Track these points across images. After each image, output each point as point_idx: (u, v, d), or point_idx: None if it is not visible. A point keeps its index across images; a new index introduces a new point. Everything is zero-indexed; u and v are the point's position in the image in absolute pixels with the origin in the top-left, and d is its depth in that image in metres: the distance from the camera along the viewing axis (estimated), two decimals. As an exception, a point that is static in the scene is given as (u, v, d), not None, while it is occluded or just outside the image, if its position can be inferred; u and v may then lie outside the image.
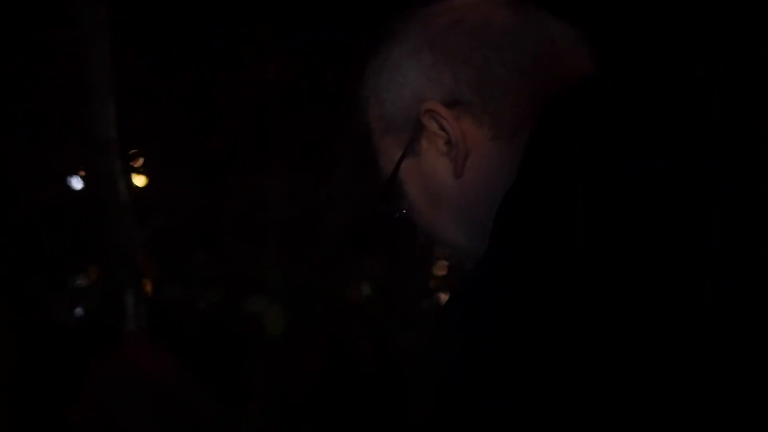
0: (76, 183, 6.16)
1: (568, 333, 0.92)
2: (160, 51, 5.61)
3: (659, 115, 1.02)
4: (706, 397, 0.90)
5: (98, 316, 6.15)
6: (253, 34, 5.72)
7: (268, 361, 6.06)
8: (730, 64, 1.04)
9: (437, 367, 0.99)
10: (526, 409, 0.92)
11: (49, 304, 6.27)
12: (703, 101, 1.03)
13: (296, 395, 6.12)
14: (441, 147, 1.15)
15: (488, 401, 0.93)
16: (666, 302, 0.92)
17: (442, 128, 1.14)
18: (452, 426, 0.95)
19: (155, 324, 5.25)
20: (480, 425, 0.93)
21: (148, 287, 6.26)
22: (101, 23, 4.58)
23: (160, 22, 5.50)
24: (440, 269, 8.05)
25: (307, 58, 5.67)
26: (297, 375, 6.14)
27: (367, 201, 5.91)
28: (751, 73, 1.03)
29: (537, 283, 0.95)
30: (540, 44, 1.14)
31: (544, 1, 1.18)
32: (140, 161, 6.32)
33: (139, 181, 6.20)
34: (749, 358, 0.91)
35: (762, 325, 0.91)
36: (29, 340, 5.45)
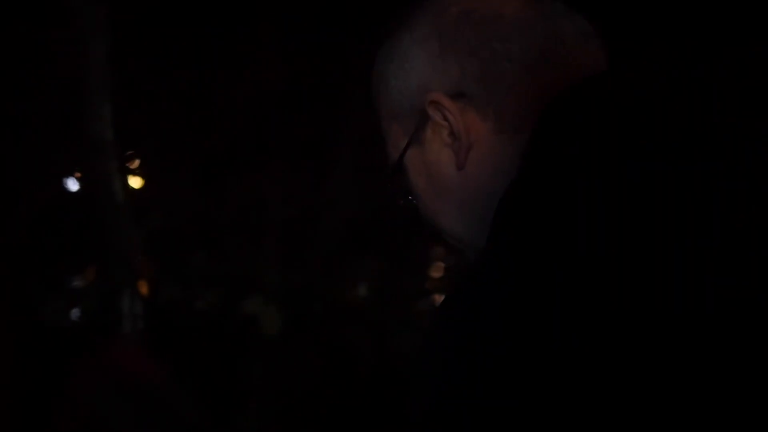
0: (73, 184, 6.16)
1: (568, 333, 0.92)
2: (159, 51, 5.62)
3: (659, 115, 1.02)
4: (706, 397, 0.90)
5: (95, 316, 6.15)
6: (253, 34, 5.72)
7: (265, 362, 6.06)
8: (730, 64, 1.04)
9: (436, 366, 0.99)
10: (526, 409, 0.92)
11: (47, 305, 6.27)
12: (703, 101, 1.03)
13: (294, 395, 6.12)
14: (445, 138, 1.15)
15: (488, 401, 0.93)
16: (666, 302, 0.92)
17: (446, 119, 1.14)
18: (452, 426, 0.95)
19: (153, 325, 5.24)
20: (480, 425, 0.93)
21: (145, 288, 6.26)
22: (99, 24, 4.58)
23: (159, 22, 5.50)
24: (437, 271, 8.06)
25: (307, 58, 5.67)
26: (295, 375, 6.14)
27: (365, 202, 5.91)
28: (751, 73, 1.03)
29: (537, 283, 0.95)
30: (548, 40, 1.14)
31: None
32: (137, 162, 6.32)
33: (136, 182, 6.21)
34: (749, 358, 0.91)
35: (762, 325, 0.91)
36: (27, 341, 5.44)
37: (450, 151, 1.15)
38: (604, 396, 0.91)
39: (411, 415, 1.00)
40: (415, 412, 1.00)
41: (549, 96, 1.09)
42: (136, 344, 4.10)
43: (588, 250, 0.95)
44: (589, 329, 0.92)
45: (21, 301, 5.53)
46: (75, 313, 6.55)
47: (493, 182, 1.10)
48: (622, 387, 0.91)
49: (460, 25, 1.15)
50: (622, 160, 0.98)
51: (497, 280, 0.98)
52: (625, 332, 0.92)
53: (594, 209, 0.97)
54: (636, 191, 0.96)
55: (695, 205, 0.96)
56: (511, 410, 0.93)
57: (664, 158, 0.98)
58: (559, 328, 0.92)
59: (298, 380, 6.15)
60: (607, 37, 1.16)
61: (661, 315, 0.92)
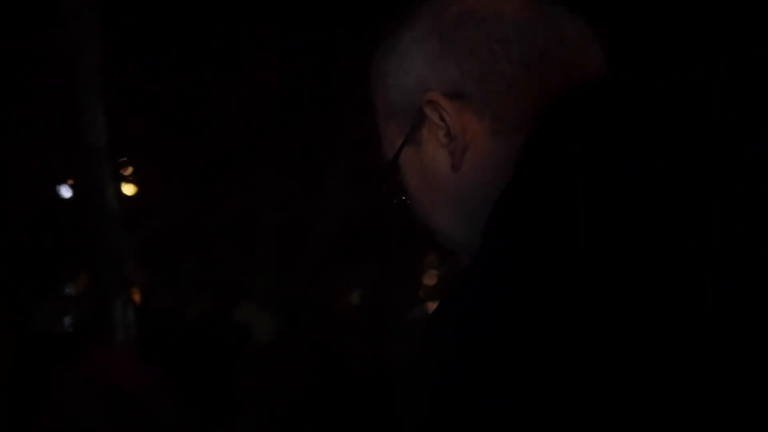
0: (66, 191, 6.15)
1: (568, 333, 0.92)
2: (152, 56, 5.61)
3: (659, 115, 1.02)
4: (706, 397, 0.90)
5: (88, 323, 6.13)
6: (252, 34, 5.71)
7: (259, 369, 6.05)
8: (730, 64, 1.04)
9: (436, 367, 0.98)
10: (527, 409, 0.92)
11: (39, 311, 6.25)
12: (703, 101, 1.03)
13: (287, 402, 6.11)
14: (441, 138, 1.15)
15: (488, 401, 0.93)
16: (666, 302, 0.92)
17: (443, 120, 1.14)
18: (452, 426, 0.94)
19: (145, 332, 5.23)
20: (480, 425, 0.93)
21: (138, 295, 6.25)
22: (93, 29, 4.57)
23: (152, 27, 5.49)
24: (431, 278, 8.05)
25: (306, 59, 5.66)
26: (288, 382, 6.13)
27: (358, 208, 5.90)
28: (751, 73, 1.03)
29: (536, 283, 0.94)
30: (549, 41, 1.13)
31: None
32: (130, 169, 6.31)
33: (129, 189, 6.20)
34: (749, 358, 0.91)
35: (762, 325, 0.91)
36: (21, 348, 5.43)
37: (446, 152, 1.15)
38: (604, 396, 0.91)
39: (409, 415, 1.00)
40: (414, 412, 0.99)
41: (548, 98, 1.09)
42: (124, 351, 4.09)
43: (588, 250, 0.95)
44: (589, 329, 0.92)
45: (14, 308, 5.51)
46: (67, 320, 6.53)
47: (488, 184, 1.10)
48: (622, 387, 0.91)
49: (460, 25, 1.14)
50: (622, 160, 0.98)
51: (496, 280, 0.98)
52: (625, 332, 0.91)
53: (594, 209, 0.97)
54: (636, 191, 0.96)
55: (695, 205, 0.96)
56: (511, 410, 0.92)
57: (664, 158, 0.98)
58: (559, 328, 0.92)
59: (291, 387, 6.14)
60: (607, 37, 1.16)
61: (662, 315, 0.92)
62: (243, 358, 6.04)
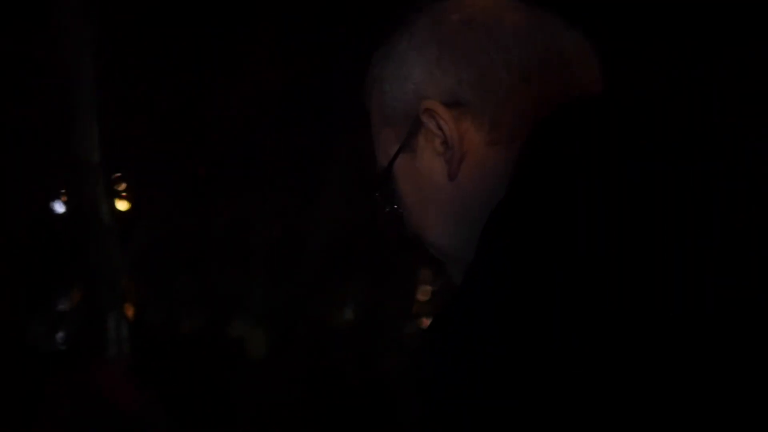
0: (59, 206, 6.15)
1: (568, 333, 0.92)
2: (150, 57, 5.60)
3: (659, 115, 1.02)
4: (706, 397, 0.90)
5: (81, 339, 6.12)
6: (252, 34, 5.71)
7: (252, 383, 6.04)
8: (730, 64, 1.04)
9: (436, 368, 0.98)
10: (527, 409, 0.92)
11: (33, 327, 6.24)
12: (703, 101, 1.03)
13: (280, 416, 6.11)
14: (438, 147, 1.14)
15: (488, 401, 0.93)
16: (666, 302, 0.92)
17: (440, 128, 1.13)
18: (452, 426, 0.94)
19: (138, 347, 5.22)
20: (480, 425, 0.93)
21: (131, 310, 6.24)
22: (87, 44, 4.56)
23: (150, 28, 5.49)
24: (423, 294, 8.06)
25: (305, 60, 5.66)
26: (281, 396, 6.12)
27: (352, 224, 5.90)
28: (751, 73, 1.03)
29: (536, 283, 0.94)
30: (547, 52, 1.13)
31: (544, 2, 1.17)
32: (124, 185, 6.32)
33: (122, 205, 6.21)
34: (749, 358, 0.91)
35: (762, 325, 0.91)
36: (13, 364, 5.42)
37: (442, 161, 1.14)
38: (603, 396, 0.91)
39: (411, 416, 1.00)
40: (415, 412, 0.99)
41: (546, 106, 1.09)
42: (118, 367, 4.09)
43: (588, 250, 0.94)
44: (589, 329, 0.92)
45: (8, 323, 5.50)
46: (61, 335, 6.53)
47: (485, 193, 1.09)
48: (621, 387, 0.90)
49: (460, 32, 1.14)
50: (622, 160, 0.98)
51: (495, 280, 0.97)
52: (625, 332, 0.91)
53: (594, 209, 0.97)
54: (636, 191, 0.96)
55: (695, 205, 0.96)
56: (511, 410, 0.92)
57: (664, 158, 0.98)
58: (559, 328, 0.92)
59: (285, 401, 6.13)
60: (608, 37, 1.16)
61: (661, 315, 0.92)
62: (237, 373, 6.03)
